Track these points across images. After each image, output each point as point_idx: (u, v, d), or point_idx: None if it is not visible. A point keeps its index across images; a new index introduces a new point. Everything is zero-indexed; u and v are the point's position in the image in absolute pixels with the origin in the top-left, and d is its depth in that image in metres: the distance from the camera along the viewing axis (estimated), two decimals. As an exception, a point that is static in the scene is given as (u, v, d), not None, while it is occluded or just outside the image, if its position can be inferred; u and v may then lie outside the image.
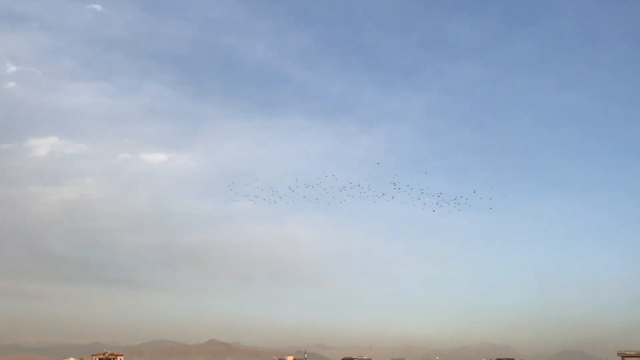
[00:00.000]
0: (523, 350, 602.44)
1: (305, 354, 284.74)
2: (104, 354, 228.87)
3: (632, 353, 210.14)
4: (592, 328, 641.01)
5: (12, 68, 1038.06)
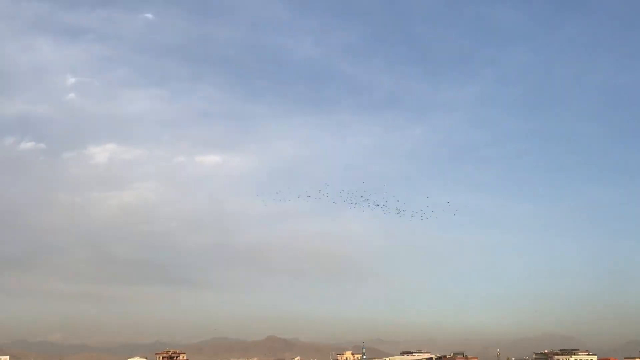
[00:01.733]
0: (587, 340, 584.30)
1: (363, 349, 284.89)
2: (167, 352, 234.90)
3: None
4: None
5: (72, 80, 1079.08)
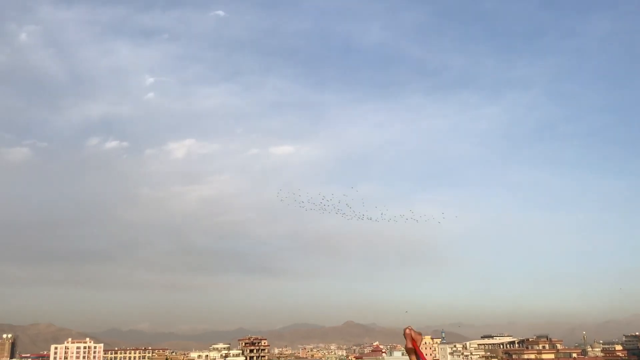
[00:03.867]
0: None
1: (443, 333, 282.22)
2: (249, 338, 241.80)
3: None
4: None
5: (150, 80, 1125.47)
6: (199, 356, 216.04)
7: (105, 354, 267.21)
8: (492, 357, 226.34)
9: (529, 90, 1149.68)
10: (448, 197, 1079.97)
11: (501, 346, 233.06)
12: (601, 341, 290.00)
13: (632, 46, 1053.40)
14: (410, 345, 12.34)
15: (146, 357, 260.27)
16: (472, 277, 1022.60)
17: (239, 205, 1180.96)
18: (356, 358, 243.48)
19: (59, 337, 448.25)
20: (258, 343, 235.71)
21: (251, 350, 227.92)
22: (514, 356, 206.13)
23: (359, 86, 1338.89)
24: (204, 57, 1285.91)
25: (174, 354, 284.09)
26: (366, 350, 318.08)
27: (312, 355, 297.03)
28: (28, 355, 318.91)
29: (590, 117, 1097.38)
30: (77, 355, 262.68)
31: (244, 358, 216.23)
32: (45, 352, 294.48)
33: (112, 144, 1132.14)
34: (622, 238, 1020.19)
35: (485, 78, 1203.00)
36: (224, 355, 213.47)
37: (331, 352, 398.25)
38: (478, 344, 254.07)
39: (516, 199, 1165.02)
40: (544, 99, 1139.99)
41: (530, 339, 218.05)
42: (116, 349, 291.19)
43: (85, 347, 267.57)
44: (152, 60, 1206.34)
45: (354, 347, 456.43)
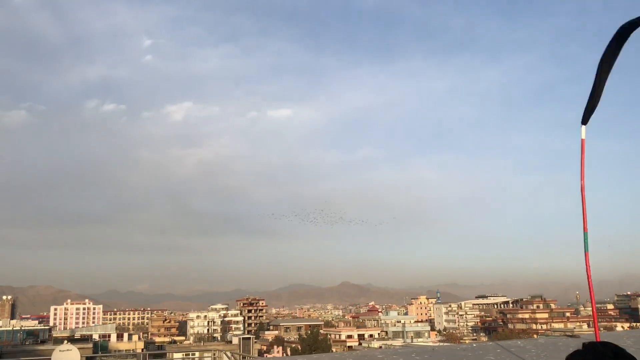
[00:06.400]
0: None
1: (438, 293, 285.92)
2: (247, 299, 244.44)
3: None
4: None
5: (148, 42, 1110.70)
6: (198, 316, 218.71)
7: (104, 314, 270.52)
8: (486, 316, 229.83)
9: (530, 53, 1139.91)
10: (446, 159, 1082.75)
11: (495, 306, 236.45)
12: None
13: (634, 7, 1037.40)
14: None
15: (145, 318, 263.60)
16: (467, 239, 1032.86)
17: (238, 169, 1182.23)
18: (353, 317, 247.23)
19: (58, 299, 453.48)
20: (256, 304, 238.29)
21: (249, 311, 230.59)
22: (508, 315, 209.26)
23: (359, 49, 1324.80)
24: (202, 19, 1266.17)
25: (172, 314, 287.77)
26: (362, 310, 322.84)
27: (309, 315, 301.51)
28: (28, 316, 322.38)
29: (591, 79, 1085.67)
30: (77, 316, 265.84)
31: (242, 318, 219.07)
32: (45, 314, 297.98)
33: (110, 106, 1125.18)
34: (619, 199, 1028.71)
35: (485, 40, 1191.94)
36: (222, 315, 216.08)
37: (327, 312, 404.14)
38: (473, 304, 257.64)
39: (514, 161, 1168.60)
40: (544, 61, 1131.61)
41: (524, 299, 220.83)
42: (115, 310, 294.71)
43: (84, 308, 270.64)
44: (149, 22, 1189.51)
45: (350, 307, 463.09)
